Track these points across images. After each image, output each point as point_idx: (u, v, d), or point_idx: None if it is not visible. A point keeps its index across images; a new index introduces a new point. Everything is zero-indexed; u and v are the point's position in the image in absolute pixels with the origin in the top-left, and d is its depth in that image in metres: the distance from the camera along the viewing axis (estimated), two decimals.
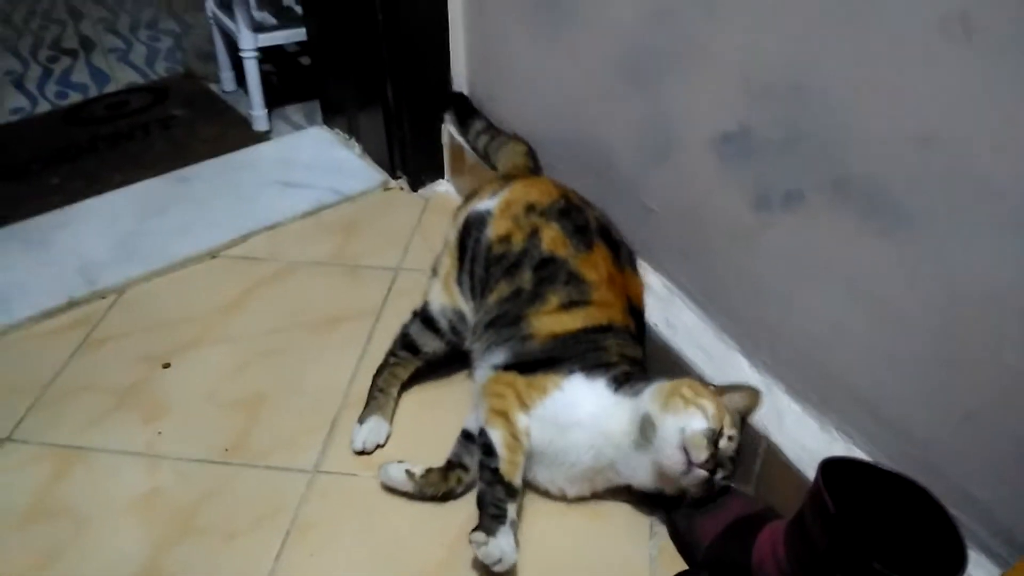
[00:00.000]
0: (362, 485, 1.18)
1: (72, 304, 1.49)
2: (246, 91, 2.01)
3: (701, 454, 1.00)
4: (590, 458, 1.09)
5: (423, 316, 1.31)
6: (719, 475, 1.03)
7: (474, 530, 1.02)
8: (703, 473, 1.01)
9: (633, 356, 1.18)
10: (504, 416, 1.09)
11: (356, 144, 1.89)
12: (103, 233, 1.65)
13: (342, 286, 1.54)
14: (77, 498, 1.17)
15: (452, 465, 1.16)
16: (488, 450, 1.07)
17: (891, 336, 0.92)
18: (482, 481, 1.07)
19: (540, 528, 1.12)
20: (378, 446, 1.23)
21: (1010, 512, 0.84)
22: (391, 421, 1.27)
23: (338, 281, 1.56)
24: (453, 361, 1.32)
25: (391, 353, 1.31)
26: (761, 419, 1.08)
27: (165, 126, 2.08)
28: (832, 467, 0.85)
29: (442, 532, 1.12)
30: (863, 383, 0.98)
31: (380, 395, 1.28)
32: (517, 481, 1.06)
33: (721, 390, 1.08)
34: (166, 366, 1.37)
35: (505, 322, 1.21)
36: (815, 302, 1.01)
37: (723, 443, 1.02)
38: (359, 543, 1.11)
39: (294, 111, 2.10)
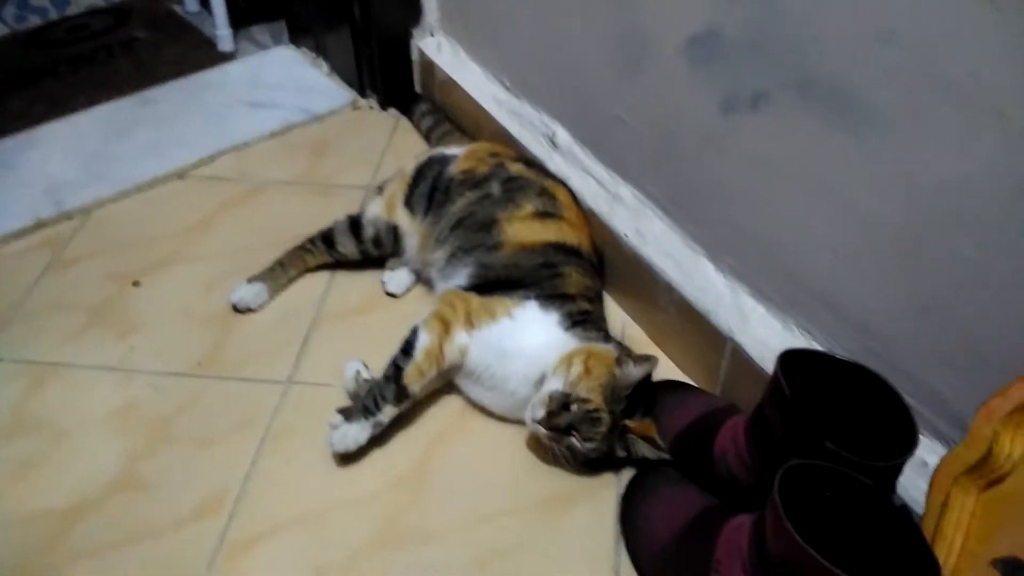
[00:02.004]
0: (337, 395, 1.19)
1: (40, 225, 1.48)
2: (210, 11, 1.95)
3: (538, 412, 1.03)
4: (528, 390, 1.09)
5: (352, 220, 1.36)
6: (577, 437, 1.03)
7: (339, 410, 1.06)
8: (541, 430, 1.03)
9: (595, 290, 1.20)
10: (445, 325, 1.10)
11: (324, 63, 1.86)
12: (69, 155, 1.62)
13: (313, 205, 1.53)
14: (53, 412, 1.18)
15: None
16: (407, 348, 1.09)
17: (853, 234, 0.94)
18: (383, 373, 1.09)
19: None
20: (249, 310, 1.31)
21: (960, 398, 0.87)
22: (273, 296, 1.34)
23: (308, 200, 1.55)
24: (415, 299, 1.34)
25: (309, 239, 1.36)
26: (726, 320, 1.11)
27: (128, 48, 2.03)
28: (791, 358, 0.88)
29: (416, 438, 1.14)
30: (825, 282, 1.00)
31: (279, 268, 1.34)
32: (414, 389, 1.08)
33: (627, 357, 1.06)
34: (136, 284, 1.37)
35: (474, 225, 1.22)
36: (781, 204, 1.02)
37: (575, 406, 1.02)
38: None
39: (260, 31, 2.05)
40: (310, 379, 1.22)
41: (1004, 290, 0.80)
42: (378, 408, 1.07)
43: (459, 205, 1.27)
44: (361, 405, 1.07)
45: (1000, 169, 0.77)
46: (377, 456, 1.12)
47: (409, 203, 1.33)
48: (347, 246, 1.35)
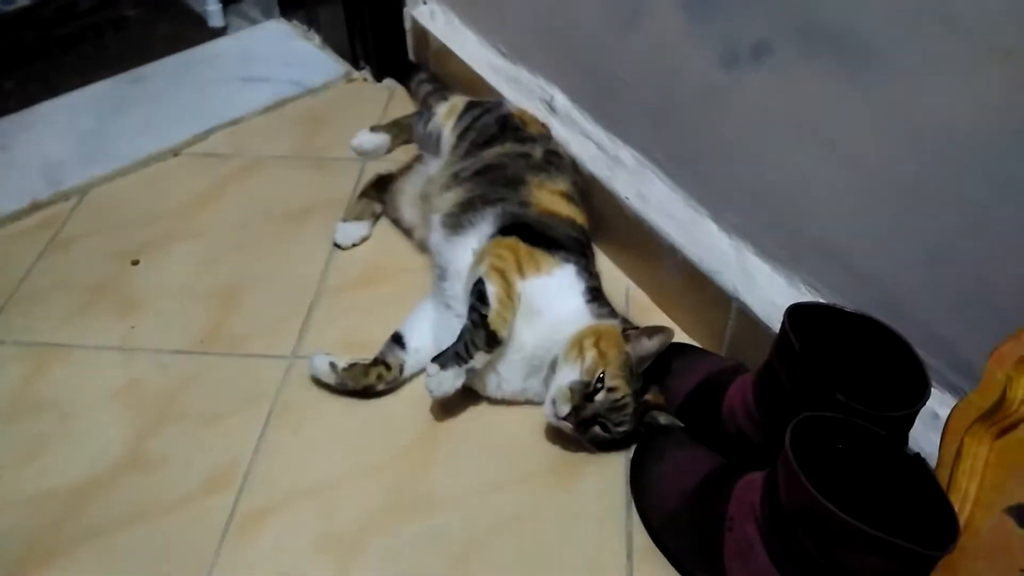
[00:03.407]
0: None
1: (36, 206, 1.46)
2: None
3: (562, 408, 1.01)
4: (531, 349, 1.08)
5: (426, 114, 1.42)
6: (608, 425, 1.01)
7: (435, 358, 1.05)
8: (567, 425, 1.01)
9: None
10: (502, 275, 1.08)
11: (316, 35, 1.83)
12: (63, 135, 1.61)
13: (310, 179, 1.52)
14: (57, 393, 1.18)
15: (376, 362, 1.14)
16: (481, 298, 1.06)
17: (859, 185, 0.92)
18: (468, 321, 1.06)
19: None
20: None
21: (971, 346, 0.86)
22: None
23: (305, 174, 1.54)
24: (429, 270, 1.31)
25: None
26: (731, 280, 1.10)
27: (118, 27, 2.00)
28: (799, 312, 0.87)
29: (423, 408, 1.13)
30: (831, 235, 0.98)
31: (397, 127, 1.51)
32: (503, 333, 1.05)
33: (638, 332, 1.05)
34: (135, 263, 1.36)
35: (502, 178, 1.21)
36: (784, 157, 1.00)
37: (600, 396, 1.00)
38: (341, 422, 1.13)
39: (250, 6, 2.02)
40: (314, 353, 1.20)
41: (1012, 231, 0.79)
42: (470, 355, 1.04)
43: (496, 151, 1.26)
44: (453, 352, 1.04)
45: (1006, 108, 0.76)
46: (384, 427, 1.11)
47: (460, 118, 1.34)
48: (418, 128, 1.42)
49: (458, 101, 1.38)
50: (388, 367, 1.14)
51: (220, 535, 1.01)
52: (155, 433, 1.12)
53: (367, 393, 1.14)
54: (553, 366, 1.06)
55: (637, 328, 1.07)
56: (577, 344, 1.04)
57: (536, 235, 1.14)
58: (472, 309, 1.07)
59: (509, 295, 1.07)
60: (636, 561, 0.97)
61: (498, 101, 1.38)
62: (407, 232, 1.38)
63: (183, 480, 1.07)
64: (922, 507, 0.73)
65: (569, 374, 1.02)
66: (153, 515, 1.03)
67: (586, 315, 1.09)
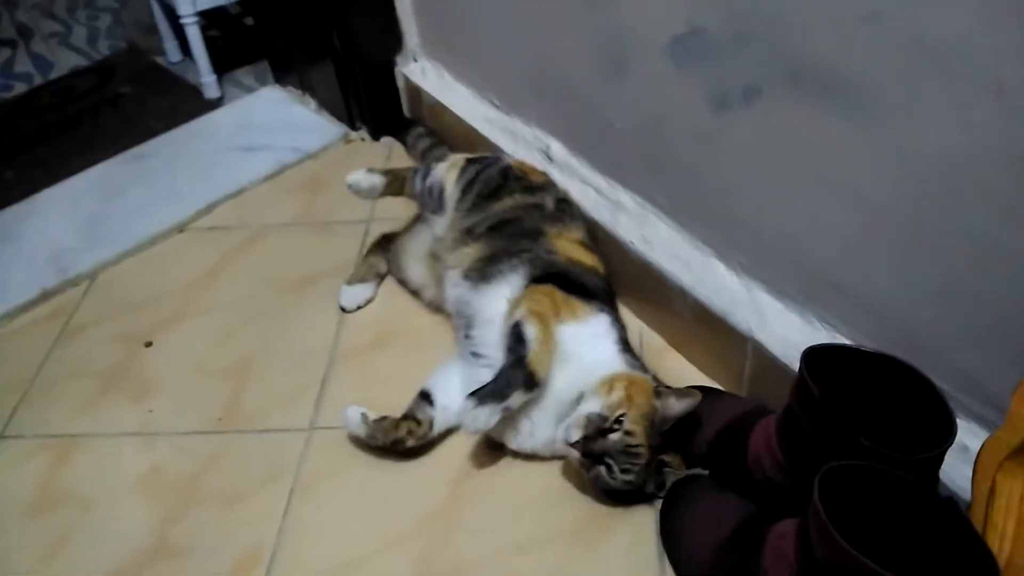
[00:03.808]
0: None
1: (46, 295, 1.47)
2: (193, 59, 1.95)
3: (573, 433, 1.00)
4: (565, 395, 1.07)
5: (423, 169, 1.38)
6: (613, 468, 1.00)
7: (472, 393, 1.03)
8: (573, 453, 1.00)
9: None
10: (541, 318, 1.08)
11: (311, 100, 1.85)
12: (67, 220, 1.62)
13: (315, 244, 1.53)
14: (79, 484, 1.17)
15: (406, 417, 1.14)
16: (520, 340, 1.05)
17: (862, 220, 0.92)
18: (506, 363, 1.05)
19: None
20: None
21: (994, 377, 0.85)
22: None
23: (310, 240, 1.54)
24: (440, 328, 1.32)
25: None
26: (744, 319, 1.09)
27: (115, 105, 2.03)
28: (816, 355, 0.86)
29: (445, 472, 1.13)
30: (839, 271, 0.98)
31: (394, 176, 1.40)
32: (541, 375, 1.04)
33: (668, 391, 1.04)
34: (148, 345, 1.36)
35: (520, 231, 1.22)
36: (785, 196, 1.00)
37: (614, 436, 0.99)
38: (365, 492, 1.12)
39: (244, 74, 2.05)
40: (333, 423, 1.20)
41: (1019, 262, 0.78)
42: (507, 395, 1.03)
43: (506, 204, 1.26)
44: (491, 390, 1.03)
45: (1002, 138, 0.75)
46: (406, 494, 1.11)
47: (463, 174, 1.33)
48: (415, 183, 1.38)
49: (458, 158, 1.39)
50: (418, 422, 1.13)
51: None
52: (179, 519, 1.12)
53: (397, 448, 1.12)
54: (578, 400, 1.05)
55: (668, 388, 1.06)
56: (608, 383, 1.04)
57: (570, 283, 1.14)
58: (510, 350, 1.06)
59: (547, 338, 1.06)
60: None
61: (495, 156, 1.39)
62: (415, 292, 1.38)
63: (210, 566, 1.06)
64: (958, 550, 0.71)
65: (591, 405, 1.02)
66: None
67: (620, 364, 1.09)
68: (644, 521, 1.04)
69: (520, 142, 1.43)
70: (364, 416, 1.13)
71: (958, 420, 0.82)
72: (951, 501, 0.74)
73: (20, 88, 2.19)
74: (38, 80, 2.22)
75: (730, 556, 0.91)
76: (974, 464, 0.77)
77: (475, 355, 1.14)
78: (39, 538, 1.11)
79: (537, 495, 1.09)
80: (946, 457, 0.82)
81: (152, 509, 1.13)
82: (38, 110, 2.07)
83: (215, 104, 1.94)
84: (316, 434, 1.20)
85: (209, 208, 1.62)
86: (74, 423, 1.25)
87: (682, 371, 1.21)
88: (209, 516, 1.11)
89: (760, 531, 0.88)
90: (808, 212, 0.98)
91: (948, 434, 0.78)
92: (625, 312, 1.30)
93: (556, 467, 1.11)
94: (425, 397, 1.16)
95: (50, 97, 2.12)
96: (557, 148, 1.37)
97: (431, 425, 1.13)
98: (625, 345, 1.12)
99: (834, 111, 0.88)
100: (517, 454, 1.13)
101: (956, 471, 0.87)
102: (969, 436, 0.88)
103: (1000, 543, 0.74)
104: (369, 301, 1.40)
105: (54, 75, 2.23)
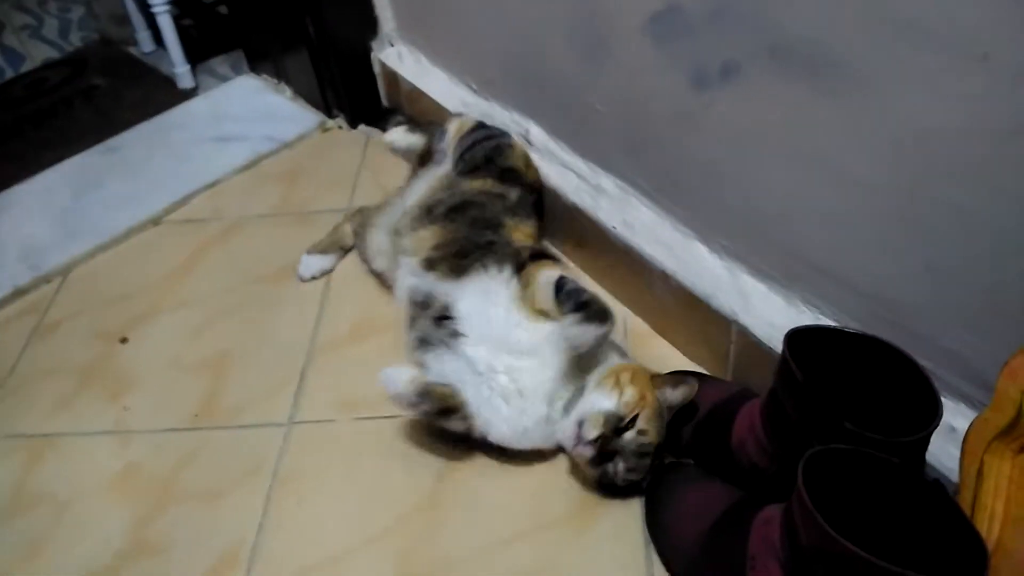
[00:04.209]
0: (340, 429, 1.16)
1: (18, 292, 1.44)
2: (166, 49, 1.92)
3: (590, 431, 0.97)
4: (557, 376, 1.05)
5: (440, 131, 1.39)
6: (620, 467, 0.98)
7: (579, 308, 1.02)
8: (586, 453, 0.98)
9: None
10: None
11: (286, 88, 1.82)
12: (40, 216, 1.59)
13: (293, 235, 1.49)
14: (54, 485, 1.15)
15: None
16: (574, 289, 1.05)
17: (844, 198, 0.90)
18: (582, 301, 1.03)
19: None
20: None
21: (980, 356, 0.83)
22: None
23: (288, 231, 1.51)
24: None
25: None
26: (728, 303, 1.07)
27: (88, 97, 1.99)
28: (799, 337, 0.84)
29: (427, 467, 1.10)
30: (823, 251, 0.96)
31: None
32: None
33: (662, 380, 1.03)
34: (124, 340, 1.34)
35: (481, 220, 1.19)
36: (767, 176, 0.98)
37: (629, 435, 0.97)
38: (345, 486, 1.10)
39: (219, 63, 2.01)
40: (311, 417, 1.18)
41: (1009, 238, 0.76)
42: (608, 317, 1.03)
43: (475, 186, 1.25)
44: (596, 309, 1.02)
45: (987, 112, 0.73)
46: (388, 490, 1.08)
47: (466, 138, 1.32)
48: (436, 144, 1.38)
49: (468, 119, 1.38)
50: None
51: None
52: (156, 518, 1.09)
53: (441, 421, 1.06)
54: (579, 391, 1.03)
55: (659, 375, 1.05)
56: (613, 375, 1.02)
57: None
58: (571, 296, 1.03)
59: None
60: None
61: (504, 131, 1.35)
62: (378, 275, 1.35)
63: (189, 565, 1.04)
64: (947, 534, 0.70)
65: (604, 401, 0.99)
66: None
67: (609, 348, 1.09)
68: (629, 510, 1.02)
69: (498, 126, 1.41)
70: (415, 378, 1.04)
71: (945, 400, 0.81)
72: (938, 484, 0.72)
73: None
74: (10, 73, 2.17)
75: (716, 543, 0.89)
76: (962, 445, 0.75)
77: (455, 335, 1.09)
78: (15, 540, 1.09)
79: (519, 488, 1.06)
80: (933, 438, 0.80)
81: (129, 508, 1.11)
82: (10, 103, 2.02)
83: (189, 94, 1.90)
84: (295, 429, 1.18)
85: (184, 200, 1.59)
86: (49, 422, 1.23)
87: (666, 356, 1.20)
88: (187, 514, 1.09)
89: (746, 517, 0.86)
90: (791, 191, 0.96)
91: (934, 416, 0.77)
92: (607, 297, 1.28)
93: (535, 459, 1.09)
94: None
95: (22, 90, 2.07)
96: (536, 132, 1.35)
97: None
98: None
99: (815, 87, 0.86)
100: (499, 449, 1.09)
101: (943, 452, 0.85)
102: (956, 416, 0.87)
103: (989, 525, 0.73)
104: (325, 273, 1.40)
105: (26, 68, 2.18)
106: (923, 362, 0.83)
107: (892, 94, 0.80)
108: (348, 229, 1.42)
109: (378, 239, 1.33)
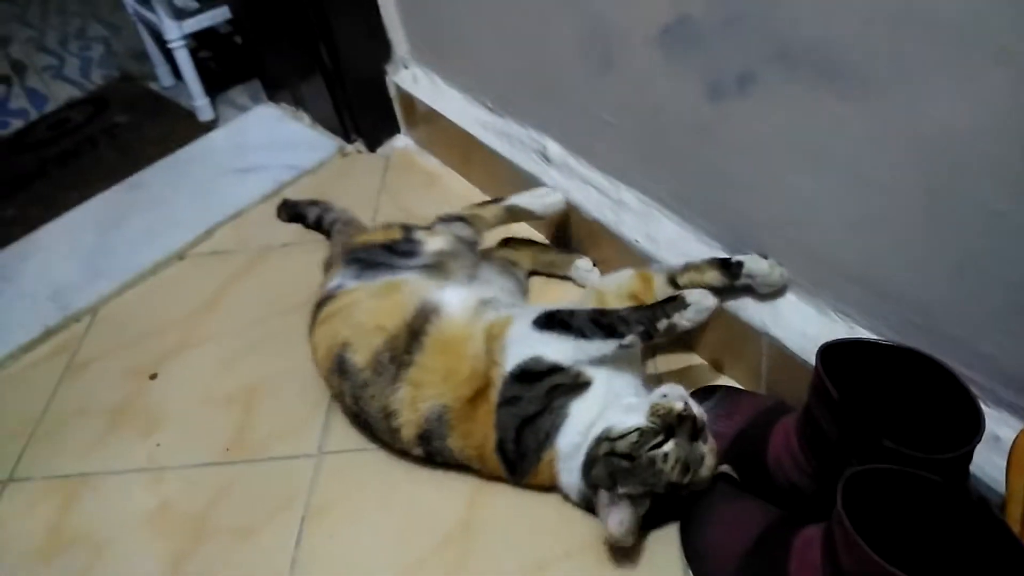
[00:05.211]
0: (371, 458, 1.15)
1: (49, 333, 1.46)
2: (185, 83, 1.94)
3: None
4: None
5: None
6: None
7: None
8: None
9: None
10: None
11: (304, 115, 1.83)
12: (67, 256, 1.61)
13: (316, 263, 1.49)
14: (89, 525, 1.16)
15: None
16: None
17: (869, 202, 0.88)
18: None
19: None
20: None
21: (1016, 359, 0.80)
22: None
23: (312, 259, 1.50)
24: None
25: None
26: (757, 314, 1.05)
27: (111, 135, 2.02)
28: (832, 351, 0.82)
29: (459, 491, 1.09)
30: (850, 257, 0.93)
31: None
32: None
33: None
34: (153, 377, 1.35)
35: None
36: (788, 183, 0.96)
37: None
38: (378, 515, 1.09)
39: (238, 93, 2.03)
40: (341, 447, 1.18)
41: None
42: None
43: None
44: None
45: (1012, 110, 0.71)
46: (420, 518, 1.07)
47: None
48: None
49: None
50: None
51: None
52: (192, 555, 1.09)
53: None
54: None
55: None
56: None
57: None
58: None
59: None
60: None
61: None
62: None
63: None
64: (993, 553, 0.67)
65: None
66: None
67: None
68: (665, 533, 1.00)
69: (516, 144, 1.40)
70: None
71: (987, 409, 0.78)
72: (983, 502, 0.69)
73: (16, 124, 2.19)
74: (34, 115, 2.22)
75: (755, 565, 0.87)
76: (1008, 457, 0.72)
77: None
78: None
79: (552, 511, 1.05)
80: (977, 449, 0.77)
81: (165, 545, 1.11)
82: (35, 145, 2.06)
83: (210, 126, 1.93)
84: (325, 459, 1.17)
85: (209, 233, 1.60)
86: (82, 462, 1.24)
87: (699, 371, 1.17)
88: (221, 550, 1.09)
89: (785, 538, 0.84)
90: (814, 198, 0.94)
91: (976, 430, 0.74)
92: None
93: None
94: None
95: (46, 131, 2.11)
96: (554, 148, 1.34)
97: None
98: None
99: (832, 91, 0.84)
100: None
101: (987, 462, 0.82)
102: (1000, 425, 0.84)
103: None
104: None
105: (49, 108, 2.23)
106: (960, 369, 0.80)
107: (914, 95, 0.78)
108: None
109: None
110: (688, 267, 1.08)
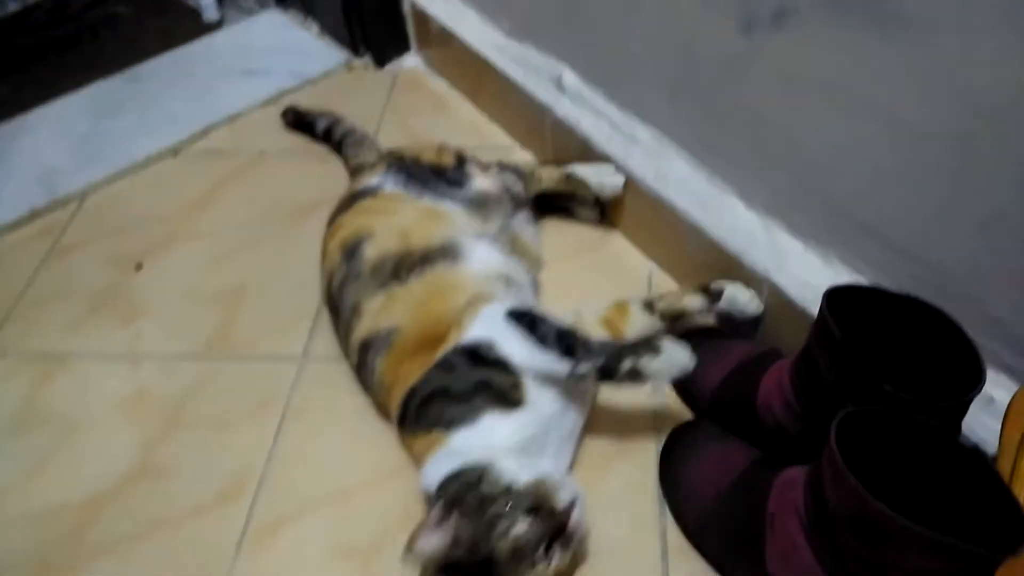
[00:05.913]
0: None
1: (35, 215, 1.42)
2: None
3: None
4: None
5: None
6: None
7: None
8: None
9: None
10: None
11: (313, 23, 1.77)
12: (59, 140, 1.56)
13: (313, 173, 1.47)
14: (62, 404, 1.14)
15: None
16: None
17: (900, 151, 0.85)
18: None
19: None
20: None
21: None
22: None
23: (309, 168, 1.48)
24: None
25: None
26: (761, 260, 1.04)
27: (111, 26, 1.95)
28: (838, 295, 0.81)
29: None
30: (871, 208, 0.92)
31: None
32: None
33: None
34: (139, 267, 1.32)
35: None
36: (816, 127, 0.94)
37: None
38: (356, 424, 1.08)
39: None
40: (326, 353, 1.16)
41: None
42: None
43: None
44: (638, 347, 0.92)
45: None
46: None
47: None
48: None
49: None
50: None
51: (236, 545, 0.97)
52: (164, 442, 1.08)
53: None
54: None
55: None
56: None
57: None
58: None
59: None
60: (671, 562, 0.92)
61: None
62: None
63: (195, 490, 1.03)
64: (982, 503, 0.67)
65: None
66: (166, 527, 0.99)
67: None
68: (643, 460, 1.00)
69: (531, 71, 1.36)
70: None
71: (987, 371, 0.77)
72: (977, 450, 0.69)
73: (13, 6, 2.11)
74: None
75: (734, 502, 0.87)
76: (1004, 413, 0.72)
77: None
78: (21, 456, 1.08)
79: None
80: (970, 409, 0.77)
81: (136, 431, 1.10)
82: (34, 28, 2.00)
83: (214, 27, 1.86)
84: (309, 364, 1.16)
85: (205, 131, 1.56)
86: (59, 343, 1.21)
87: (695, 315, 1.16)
88: (195, 441, 1.08)
89: (766, 477, 0.84)
90: (842, 143, 0.91)
91: (976, 382, 0.73)
92: (633, 250, 1.25)
93: None
94: None
95: (45, 15, 2.04)
96: (570, 77, 1.30)
97: None
98: None
99: (876, 32, 0.81)
100: None
101: (977, 422, 0.82)
102: (996, 387, 0.83)
103: None
104: None
105: None
106: (967, 328, 0.79)
107: (961, 40, 0.75)
108: None
109: None
110: (667, 293, 1.07)
